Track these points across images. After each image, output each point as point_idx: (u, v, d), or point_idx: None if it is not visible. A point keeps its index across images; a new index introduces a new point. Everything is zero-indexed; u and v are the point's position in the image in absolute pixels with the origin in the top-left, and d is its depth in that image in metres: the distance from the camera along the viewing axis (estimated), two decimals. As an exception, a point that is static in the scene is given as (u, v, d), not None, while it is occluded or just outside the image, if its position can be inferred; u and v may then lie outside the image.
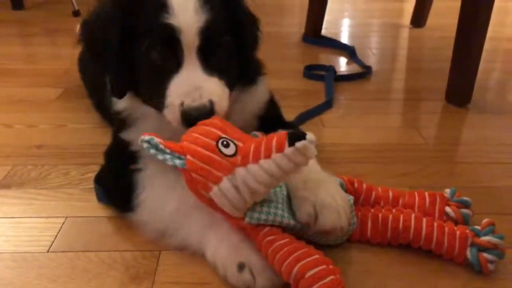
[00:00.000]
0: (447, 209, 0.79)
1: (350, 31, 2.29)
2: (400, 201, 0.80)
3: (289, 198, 0.72)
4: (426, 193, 0.81)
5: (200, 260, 0.71)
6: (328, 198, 0.69)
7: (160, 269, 0.71)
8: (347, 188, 0.79)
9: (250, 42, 0.82)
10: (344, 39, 2.07)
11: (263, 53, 0.89)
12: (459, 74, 1.30)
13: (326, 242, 0.73)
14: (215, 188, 0.65)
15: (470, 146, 1.11)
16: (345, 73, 1.60)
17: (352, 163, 1.02)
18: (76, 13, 2.36)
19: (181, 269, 0.71)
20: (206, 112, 0.70)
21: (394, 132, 1.19)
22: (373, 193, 0.81)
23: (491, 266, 0.69)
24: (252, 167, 0.62)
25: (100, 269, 0.71)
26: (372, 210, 0.77)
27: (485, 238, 0.71)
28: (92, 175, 0.89)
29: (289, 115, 1.01)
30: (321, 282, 0.60)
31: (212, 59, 0.74)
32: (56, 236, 0.78)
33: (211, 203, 0.68)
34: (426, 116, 1.29)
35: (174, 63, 0.72)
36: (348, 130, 1.19)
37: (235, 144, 0.66)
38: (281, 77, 1.51)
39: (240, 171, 0.63)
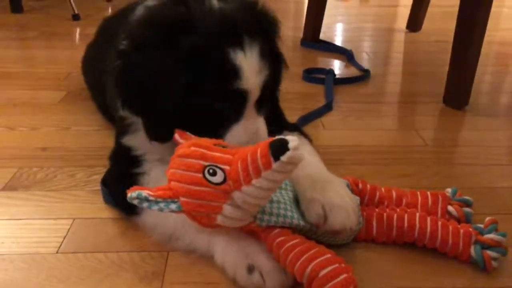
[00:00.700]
0: (450, 208, 0.81)
1: (347, 35, 2.31)
2: (404, 200, 0.82)
3: (296, 199, 0.73)
4: (429, 193, 0.83)
5: (209, 261, 0.71)
6: (336, 198, 0.71)
7: (169, 269, 0.72)
8: (352, 189, 0.80)
9: (277, 81, 0.88)
10: (340, 43, 2.10)
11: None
12: (457, 77, 1.32)
13: (333, 242, 0.74)
14: (219, 217, 0.64)
15: (469, 148, 1.14)
16: (344, 76, 1.62)
17: (353, 165, 1.03)
18: (75, 17, 2.37)
19: (189, 270, 0.72)
20: None
21: (394, 134, 1.21)
22: (377, 193, 0.83)
23: (494, 263, 0.71)
24: (246, 189, 0.61)
25: (109, 269, 0.72)
26: (377, 210, 0.79)
27: (489, 236, 0.72)
28: (98, 177, 0.89)
29: (289, 117, 1.02)
30: (334, 281, 0.61)
31: (263, 104, 0.79)
32: (64, 237, 0.79)
33: (221, 225, 0.68)
34: (424, 118, 1.32)
35: (236, 115, 0.76)
36: (348, 132, 1.21)
37: (220, 169, 0.63)
38: (281, 80, 1.53)
39: (237, 194, 0.62)
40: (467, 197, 0.83)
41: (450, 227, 0.74)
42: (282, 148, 0.59)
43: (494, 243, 0.72)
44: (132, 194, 0.64)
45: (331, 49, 1.93)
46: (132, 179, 0.79)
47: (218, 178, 0.62)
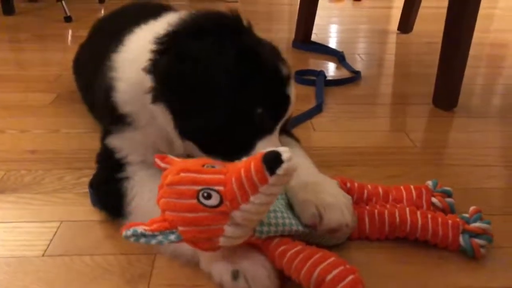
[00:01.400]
0: (433, 200, 0.83)
1: (339, 37, 2.32)
2: (390, 196, 0.84)
3: (290, 204, 0.73)
4: (412, 187, 0.85)
5: (195, 264, 0.71)
6: (329, 197, 0.72)
7: (155, 272, 0.72)
8: (341, 188, 0.81)
9: None
10: (333, 44, 2.10)
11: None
12: (445, 79, 1.33)
13: (329, 243, 0.74)
14: (221, 239, 0.63)
15: (457, 149, 1.14)
16: (335, 77, 1.63)
17: (342, 166, 1.04)
18: (67, 19, 2.36)
19: (176, 272, 0.72)
20: None
21: (383, 136, 1.22)
22: (365, 191, 0.84)
23: (482, 250, 0.74)
24: (245, 207, 0.60)
25: (95, 272, 0.72)
26: (367, 207, 0.80)
27: (475, 225, 0.75)
28: (86, 179, 0.89)
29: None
30: (342, 283, 0.60)
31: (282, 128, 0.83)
32: (51, 240, 0.78)
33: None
34: (414, 119, 1.32)
35: (270, 126, 0.78)
36: (338, 133, 1.21)
37: (215, 190, 0.61)
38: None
39: (236, 213, 0.61)
40: (447, 188, 0.85)
41: (439, 219, 0.76)
42: (276, 161, 0.58)
43: (481, 231, 0.74)
44: (127, 232, 0.62)
45: (322, 50, 1.93)
46: (117, 184, 0.79)
47: (214, 200, 0.60)
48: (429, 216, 0.77)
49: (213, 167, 0.64)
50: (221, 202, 0.60)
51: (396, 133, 1.23)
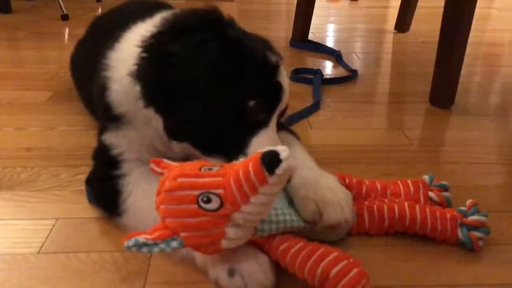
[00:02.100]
0: (430, 194, 0.83)
1: (336, 36, 2.32)
2: (388, 191, 0.84)
3: (291, 200, 0.74)
4: (409, 181, 0.85)
5: (192, 261, 0.71)
6: (328, 193, 0.72)
7: (152, 269, 0.72)
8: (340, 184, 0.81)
9: None
10: (330, 43, 2.11)
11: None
12: (442, 77, 1.34)
13: (330, 238, 0.74)
14: (224, 242, 0.62)
15: (454, 147, 1.15)
16: (332, 76, 1.63)
17: (339, 164, 1.04)
18: (64, 17, 2.35)
19: (172, 269, 0.71)
20: None
21: (380, 134, 1.22)
22: (364, 187, 0.85)
23: (480, 243, 0.75)
24: (246, 208, 0.59)
25: (91, 270, 0.71)
26: (366, 202, 0.80)
27: (473, 218, 0.76)
28: (83, 177, 0.89)
29: (277, 117, 1.02)
30: (347, 278, 0.60)
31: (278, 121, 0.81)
32: (47, 237, 0.78)
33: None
34: (410, 118, 1.33)
35: (265, 119, 0.76)
36: (335, 132, 1.21)
37: (214, 194, 0.60)
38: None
39: (237, 215, 0.60)
40: (443, 182, 0.86)
41: (438, 213, 0.77)
42: (274, 161, 0.57)
43: (479, 223, 0.75)
44: (128, 242, 0.60)
45: (319, 49, 1.94)
46: (112, 182, 0.79)
47: (214, 204, 0.59)
48: (428, 210, 0.77)
49: (210, 169, 0.63)
50: (221, 205, 0.60)
51: (393, 131, 1.23)
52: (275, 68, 0.76)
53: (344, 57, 1.79)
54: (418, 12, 2.23)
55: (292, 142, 0.88)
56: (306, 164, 0.81)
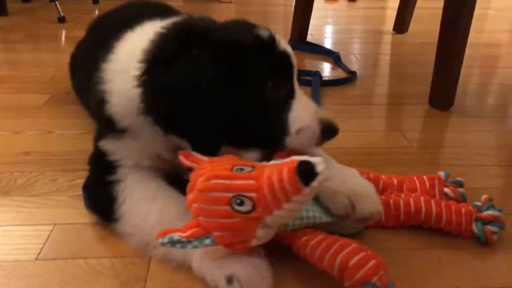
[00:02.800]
0: (446, 190, 0.85)
1: (334, 37, 2.32)
2: (405, 186, 0.86)
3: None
4: (425, 177, 0.88)
5: (189, 267, 0.70)
6: (358, 186, 0.74)
7: (151, 275, 0.71)
8: None
9: None
10: (328, 45, 2.10)
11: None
12: (441, 78, 1.33)
13: (347, 231, 0.75)
14: (254, 241, 0.64)
15: (454, 149, 1.14)
16: (330, 78, 1.62)
17: (339, 167, 1.03)
18: (61, 20, 2.34)
19: (171, 275, 0.71)
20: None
21: (380, 136, 1.22)
22: (381, 182, 0.87)
23: (495, 237, 0.77)
24: (277, 213, 0.61)
25: (89, 276, 0.71)
26: (383, 197, 0.82)
27: (488, 212, 0.78)
28: (80, 181, 0.88)
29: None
30: (365, 268, 0.63)
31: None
32: (44, 243, 0.77)
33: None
34: (410, 119, 1.32)
35: (290, 89, 0.76)
36: (334, 134, 1.21)
37: (247, 197, 0.61)
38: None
39: (268, 218, 0.62)
40: (459, 178, 0.88)
41: (453, 207, 0.79)
42: (311, 174, 0.58)
43: (493, 218, 0.77)
44: (163, 239, 0.62)
45: (318, 51, 1.93)
46: (107, 187, 0.78)
47: (247, 207, 0.61)
48: (443, 204, 0.79)
49: (242, 169, 0.64)
50: (253, 208, 0.61)
51: (393, 133, 1.23)
52: (272, 40, 0.75)
53: (343, 59, 1.79)
54: (417, 13, 2.23)
55: None
56: (328, 160, 0.82)
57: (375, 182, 0.85)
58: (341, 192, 0.73)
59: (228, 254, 0.67)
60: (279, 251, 0.71)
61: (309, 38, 2.04)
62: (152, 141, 0.79)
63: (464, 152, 1.12)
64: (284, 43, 0.77)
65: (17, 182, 0.95)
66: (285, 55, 0.76)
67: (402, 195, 0.82)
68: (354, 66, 1.76)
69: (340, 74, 1.67)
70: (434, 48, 1.34)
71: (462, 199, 0.85)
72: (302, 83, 1.48)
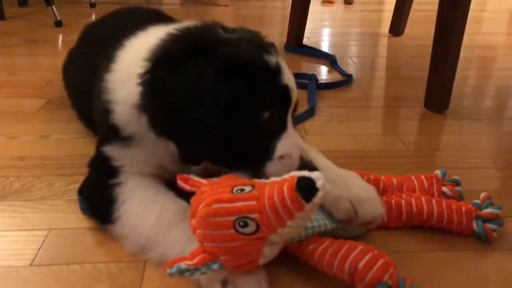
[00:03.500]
0: (444, 189, 0.87)
1: (330, 40, 2.33)
2: (404, 187, 0.87)
3: None
4: (423, 176, 0.89)
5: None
6: (360, 191, 0.75)
7: (146, 279, 0.71)
8: None
9: None
10: (325, 48, 2.11)
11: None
12: (437, 81, 1.34)
13: (351, 234, 0.76)
14: (261, 260, 0.65)
15: (449, 152, 1.15)
16: (327, 81, 1.63)
17: (335, 170, 1.03)
18: (58, 24, 2.34)
19: (167, 280, 0.70)
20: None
21: (376, 139, 1.22)
22: (381, 183, 0.88)
23: (494, 234, 0.78)
24: (281, 230, 0.61)
25: (84, 281, 0.70)
26: (384, 198, 0.83)
27: (487, 210, 0.79)
28: (76, 186, 0.88)
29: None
30: (374, 269, 0.64)
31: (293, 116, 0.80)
32: (39, 249, 0.77)
33: None
34: (406, 122, 1.33)
35: (281, 123, 0.76)
36: (330, 137, 1.21)
37: (250, 219, 0.61)
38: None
39: (273, 237, 0.62)
40: (455, 177, 0.89)
41: (453, 206, 0.80)
42: (311, 190, 0.59)
43: (493, 216, 0.79)
44: (171, 270, 0.62)
45: (314, 54, 1.94)
46: (108, 190, 0.78)
47: (251, 228, 0.61)
48: (444, 204, 0.80)
49: (242, 190, 0.64)
50: (257, 228, 0.61)
51: (389, 136, 1.23)
52: (277, 71, 0.75)
53: (339, 62, 1.79)
54: (412, 15, 2.24)
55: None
56: (327, 164, 0.83)
57: (376, 183, 0.86)
58: (343, 197, 0.73)
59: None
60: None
61: (306, 41, 2.04)
62: (155, 150, 0.80)
63: (460, 155, 1.12)
64: (288, 75, 0.77)
65: (12, 187, 0.95)
66: (286, 89, 0.76)
67: (403, 196, 0.83)
68: (351, 69, 1.77)
69: (337, 77, 1.68)
70: (430, 50, 1.34)
71: (460, 197, 0.86)
72: (298, 86, 1.51)
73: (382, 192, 0.86)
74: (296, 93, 0.79)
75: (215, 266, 0.63)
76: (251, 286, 0.64)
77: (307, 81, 1.54)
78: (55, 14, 2.34)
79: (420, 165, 1.07)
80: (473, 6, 1.28)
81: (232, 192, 0.64)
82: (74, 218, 0.84)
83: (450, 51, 1.29)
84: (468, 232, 0.79)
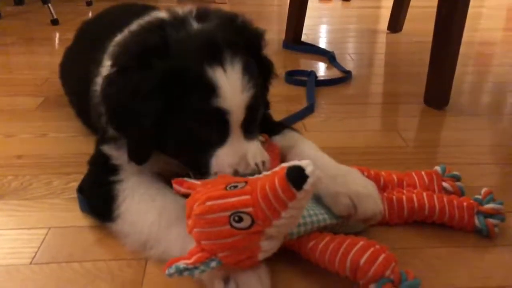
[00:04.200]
0: (444, 184, 0.87)
1: (329, 37, 2.32)
2: (405, 182, 0.87)
3: (314, 197, 0.75)
4: (423, 172, 0.88)
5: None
6: (359, 187, 0.75)
7: (147, 277, 0.70)
8: None
9: (266, 88, 0.88)
10: (323, 44, 2.10)
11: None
12: (437, 77, 1.34)
13: (352, 230, 0.76)
14: (260, 255, 0.64)
15: (449, 148, 1.14)
16: (326, 78, 1.62)
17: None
18: (54, 22, 2.33)
19: (167, 278, 0.69)
20: (258, 173, 0.72)
21: (375, 135, 1.21)
22: (381, 178, 0.87)
23: (496, 230, 0.78)
24: (277, 222, 0.61)
25: (85, 279, 0.70)
26: (385, 194, 0.83)
27: (489, 206, 0.79)
28: (75, 184, 0.87)
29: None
30: (376, 264, 0.63)
31: (250, 127, 0.76)
32: (39, 247, 0.77)
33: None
34: (405, 119, 1.32)
35: (219, 138, 0.73)
36: (330, 134, 1.21)
37: (245, 213, 0.61)
38: (263, 83, 1.52)
39: (269, 230, 0.62)
40: (455, 172, 0.89)
41: (455, 202, 0.80)
42: (301, 177, 0.58)
43: (494, 211, 0.78)
44: (170, 270, 0.61)
45: (313, 51, 1.93)
46: (108, 187, 0.78)
47: (246, 222, 0.61)
48: (445, 199, 0.80)
49: (236, 187, 0.64)
50: (253, 222, 0.61)
51: (388, 132, 1.23)
52: (211, 91, 0.70)
53: (337, 58, 1.79)
54: (411, 11, 2.23)
55: (302, 140, 0.89)
56: (326, 161, 0.83)
57: (376, 179, 0.86)
58: (342, 192, 0.73)
59: None
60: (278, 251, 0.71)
61: (304, 38, 2.04)
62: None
63: (460, 151, 1.12)
64: (229, 95, 0.70)
65: (11, 186, 0.94)
66: (219, 111, 0.71)
67: (404, 192, 0.83)
68: (349, 65, 1.76)
69: (335, 73, 1.67)
70: (428, 46, 1.34)
71: (460, 193, 0.86)
72: (297, 83, 1.52)
73: (382, 188, 0.86)
74: (240, 111, 0.72)
75: (213, 264, 0.63)
76: (252, 282, 0.64)
77: (306, 78, 1.53)
78: (51, 12, 2.33)
79: (420, 161, 1.07)
80: (471, 2, 1.28)
81: (225, 189, 0.64)
82: (73, 216, 0.84)
83: (450, 47, 1.29)
84: (469, 227, 0.79)
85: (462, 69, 1.67)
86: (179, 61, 0.71)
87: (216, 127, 0.73)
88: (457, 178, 0.89)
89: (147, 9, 1.11)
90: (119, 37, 0.83)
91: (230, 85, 0.70)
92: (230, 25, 0.79)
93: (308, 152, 0.84)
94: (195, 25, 0.76)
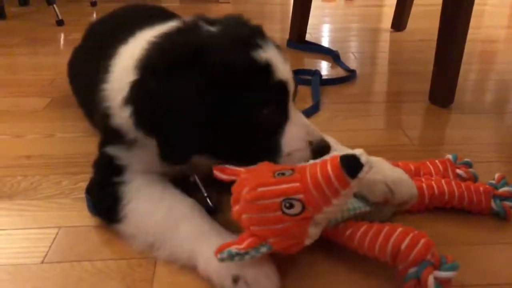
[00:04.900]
0: (458, 171, 0.90)
1: (332, 36, 2.32)
2: (421, 171, 0.90)
3: None
4: (437, 161, 0.92)
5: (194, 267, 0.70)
6: (393, 173, 0.77)
7: (157, 276, 0.71)
8: None
9: None
10: (326, 43, 2.11)
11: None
12: (442, 75, 1.34)
13: (380, 219, 0.76)
14: (306, 240, 0.66)
15: (454, 146, 1.14)
16: (330, 77, 1.63)
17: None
18: (59, 23, 2.34)
19: (178, 276, 0.71)
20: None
21: (380, 134, 1.22)
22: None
23: None
24: (327, 209, 0.63)
25: (95, 278, 0.71)
26: None
27: (504, 189, 0.83)
28: (84, 184, 0.88)
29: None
30: (417, 248, 0.65)
31: (294, 99, 0.80)
32: (50, 246, 0.77)
33: None
34: (410, 117, 1.33)
35: (283, 114, 0.76)
36: (335, 133, 1.19)
37: (296, 199, 0.63)
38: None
39: (318, 216, 0.64)
40: (467, 159, 0.93)
41: (472, 187, 0.83)
42: (356, 166, 0.61)
43: (510, 194, 0.83)
44: (222, 255, 0.63)
45: (317, 50, 1.93)
46: (113, 188, 0.79)
47: (297, 209, 0.63)
48: (463, 185, 0.83)
49: (283, 174, 0.66)
50: (303, 209, 0.63)
51: (394, 131, 1.23)
52: (267, 68, 0.74)
53: (341, 57, 1.79)
54: (415, 10, 2.23)
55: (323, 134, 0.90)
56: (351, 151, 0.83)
57: None
58: (379, 180, 0.75)
59: None
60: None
61: (307, 37, 2.04)
62: (145, 149, 0.79)
63: (465, 149, 1.12)
64: (281, 67, 0.75)
65: (20, 186, 0.95)
66: (281, 83, 0.75)
67: (423, 179, 0.85)
68: (353, 64, 1.77)
69: (340, 72, 1.67)
70: (432, 45, 1.34)
71: (474, 178, 0.89)
72: (302, 82, 1.52)
73: None
74: (292, 82, 0.78)
75: (264, 249, 0.64)
76: (262, 282, 0.64)
77: (310, 77, 1.54)
78: (56, 13, 2.34)
79: (425, 159, 1.06)
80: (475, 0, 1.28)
81: (274, 176, 0.66)
82: (83, 216, 0.84)
83: (455, 45, 1.29)
84: (487, 210, 0.82)
85: (467, 67, 1.67)
86: (223, 54, 0.73)
87: (279, 104, 0.76)
88: (469, 165, 0.92)
89: (157, 10, 1.12)
90: (138, 42, 0.80)
91: (278, 60, 0.75)
92: (237, 22, 0.83)
93: (332, 144, 0.85)
94: (210, 28, 0.79)
